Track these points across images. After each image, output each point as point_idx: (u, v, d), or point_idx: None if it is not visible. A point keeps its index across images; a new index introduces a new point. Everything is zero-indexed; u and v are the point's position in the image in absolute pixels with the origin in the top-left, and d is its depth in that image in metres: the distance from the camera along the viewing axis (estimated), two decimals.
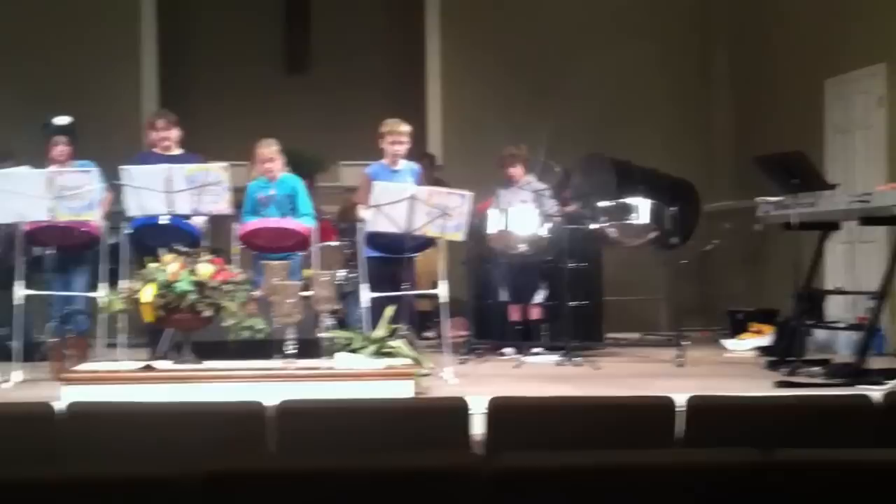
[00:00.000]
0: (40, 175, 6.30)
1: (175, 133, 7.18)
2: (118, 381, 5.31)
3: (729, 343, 8.38)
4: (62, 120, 7.04)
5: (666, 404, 3.60)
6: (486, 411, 3.67)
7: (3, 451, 3.21)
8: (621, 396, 4.10)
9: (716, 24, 10.91)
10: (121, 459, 3.12)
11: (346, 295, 8.00)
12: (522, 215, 7.43)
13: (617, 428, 3.49)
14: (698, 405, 3.64)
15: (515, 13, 10.73)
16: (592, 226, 7.44)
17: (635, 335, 9.32)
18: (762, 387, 5.73)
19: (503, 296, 7.95)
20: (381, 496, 2.50)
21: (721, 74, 10.86)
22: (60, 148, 6.92)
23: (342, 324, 7.17)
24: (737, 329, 8.71)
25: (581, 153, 8.92)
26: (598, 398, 4.06)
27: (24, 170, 6.47)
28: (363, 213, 7.06)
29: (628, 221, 7.37)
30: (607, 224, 7.41)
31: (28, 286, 6.54)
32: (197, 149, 7.30)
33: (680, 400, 3.72)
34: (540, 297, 7.88)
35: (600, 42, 10.53)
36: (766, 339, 7.86)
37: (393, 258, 6.91)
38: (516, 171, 7.85)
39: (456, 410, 3.57)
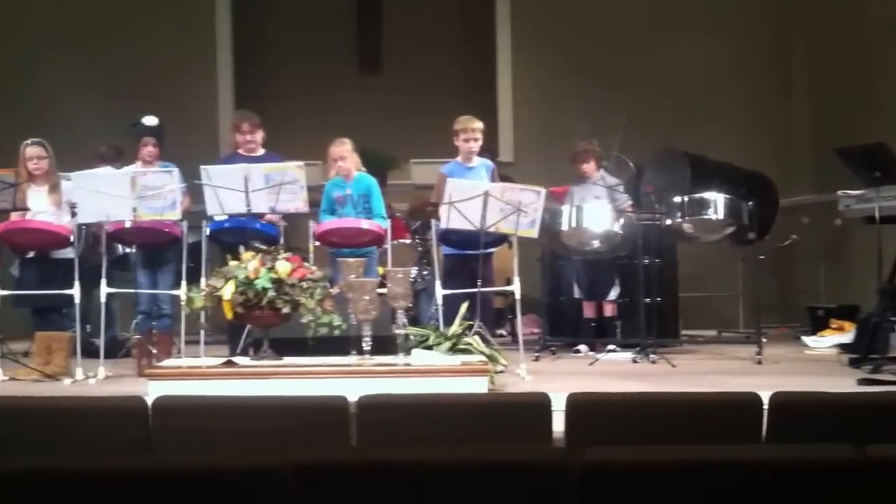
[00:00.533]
0: (124, 175, 6.44)
1: (259, 135, 7.26)
2: (201, 376, 5.40)
3: (809, 340, 8.25)
4: (151, 120, 7.14)
5: (753, 400, 3.56)
6: (564, 407, 3.66)
7: (100, 441, 3.31)
8: (705, 392, 4.05)
9: (795, 15, 10.73)
10: (209, 450, 3.17)
11: (419, 292, 8.05)
12: (595, 211, 7.40)
13: (701, 424, 3.45)
14: (782, 402, 3.59)
15: (587, 9, 10.68)
16: (667, 221, 7.39)
17: (712, 332, 9.24)
18: (844, 385, 5.62)
19: (577, 292, 7.92)
20: (466, 489, 2.52)
21: (799, 67, 10.69)
22: (150, 149, 7.02)
23: (414, 321, 7.21)
24: (817, 326, 8.58)
25: (654, 148, 8.86)
26: (681, 394, 4.02)
27: (108, 170, 6.61)
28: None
29: (704, 216, 7.30)
30: (683, 219, 7.35)
31: (111, 285, 6.69)
32: (271, 148, 7.39)
33: (762, 397, 3.67)
34: (614, 293, 7.84)
35: (674, 35, 10.45)
36: (847, 336, 7.71)
37: (468, 255, 6.94)
38: (589, 166, 7.82)
39: (537, 405, 3.57)
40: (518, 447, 2.80)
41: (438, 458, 2.53)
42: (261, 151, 7.26)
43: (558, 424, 3.71)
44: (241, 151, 7.27)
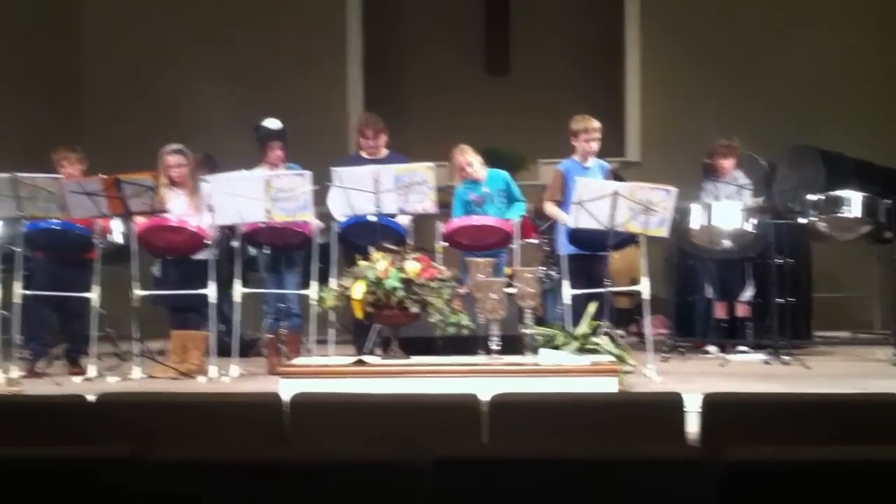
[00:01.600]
0: (259, 178, 6.59)
1: (382, 139, 7.35)
2: (332, 374, 5.50)
3: None
4: (274, 123, 7.27)
5: (892, 402, 3.45)
6: (700, 407, 3.61)
7: (238, 436, 3.40)
8: (843, 394, 3.94)
9: None
10: (344, 446, 3.24)
11: (545, 292, 8.03)
12: (726, 210, 7.26)
13: (840, 426, 3.37)
14: None
15: (717, 5, 10.52)
16: (801, 220, 7.21)
17: (846, 333, 8.98)
18: None
19: (709, 292, 7.78)
20: (604, 487, 2.51)
21: None
22: (277, 152, 7.13)
23: (540, 321, 7.19)
24: None
25: (786, 145, 8.65)
26: (820, 395, 3.91)
27: (243, 173, 6.76)
28: (551, 209, 7.06)
29: (840, 215, 7.12)
30: (817, 218, 7.17)
31: (243, 285, 6.86)
32: (400, 149, 7.48)
33: None
34: (749, 293, 7.67)
35: (806, 29, 10.21)
36: None
37: (590, 255, 6.89)
38: (727, 163, 7.64)
39: (670, 405, 3.53)
40: (655, 446, 2.77)
41: (576, 456, 2.53)
42: (384, 153, 7.34)
43: (689, 425, 3.67)
44: (363, 154, 7.37)
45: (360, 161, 7.12)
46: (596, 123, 7.06)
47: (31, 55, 10.41)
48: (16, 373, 6.48)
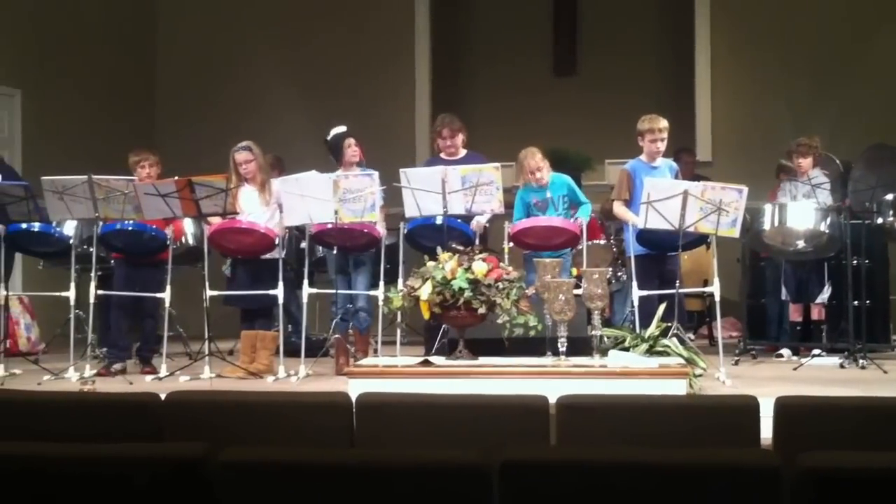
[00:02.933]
0: (328, 179, 6.62)
1: (460, 138, 7.32)
2: (399, 375, 5.50)
3: None
4: (341, 128, 7.30)
5: None
6: (772, 412, 3.54)
7: (306, 435, 3.41)
8: None
9: None
10: (411, 447, 3.22)
11: (613, 293, 7.96)
12: (800, 210, 7.13)
13: None
14: None
15: (787, 4, 10.35)
16: (878, 220, 7.04)
17: None
18: None
19: (784, 294, 7.64)
20: (676, 491, 2.46)
21: None
22: (353, 149, 7.10)
23: (608, 322, 7.13)
24: None
25: (862, 145, 8.45)
26: None
27: (313, 174, 6.80)
28: (619, 209, 6.99)
29: None
30: (894, 218, 7.00)
31: (311, 286, 6.90)
32: (472, 149, 7.46)
33: None
34: (825, 295, 7.50)
35: (882, 26, 9.99)
36: None
37: (659, 255, 6.81)
38: (805, 162, 7.47)
39: (744, 409, 3.45)
40: (728, 450, 2.72)
41: (647, 460, 2.48)
42: (462, 153, 7.33)
43: (764, 430, 3.59)
44: (442, 155, 7.36)
45: (438, 163, 7.12)
46: (662, 123, 6.94)
47: (106, 60, 10.62)
48: (89, 371, 6.60)
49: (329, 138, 7.24)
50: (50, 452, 2.73)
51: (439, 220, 6.65)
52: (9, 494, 2.67)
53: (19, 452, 2.75)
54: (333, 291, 6.96)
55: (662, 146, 6.97)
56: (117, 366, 7.02)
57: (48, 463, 2.69)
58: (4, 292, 7.10)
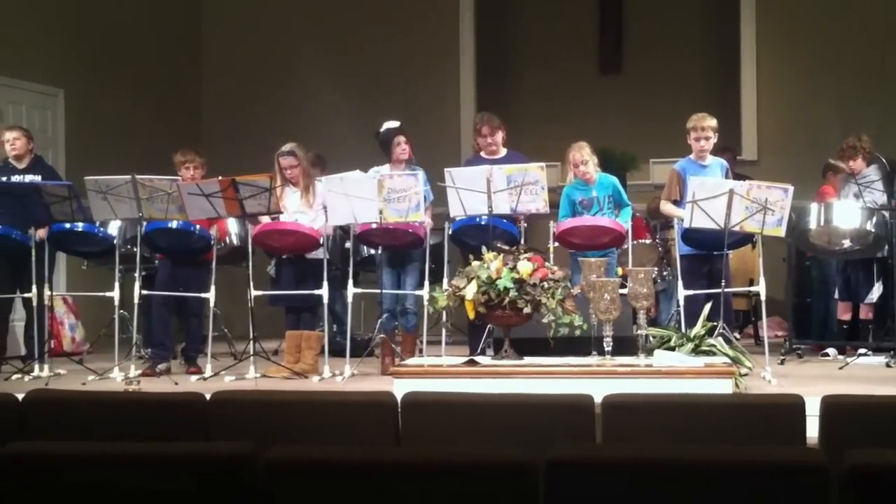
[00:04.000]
0: (372, 179, 6.64)
1: (500, 136, 7.33)
2: (444, 374, 5.51)
3: None
4: (393, 123, 7.30)
5: None
6: (818, 410, 3.51)
7: (352, 434, 3.44)
8: None
9: None
10: (456, 445, 3.24)
11: (659, 293, 7.93)
12: (846, 209, 7.05)
13: None
14: None
15: (834, 5, 10.26)
16: None
17: None
18: None
19: (835, 293, 7.56)
20: (722, 490, 2.46)
21: None
22: (403, 146, 7.07)
23: (653, 322, 7.10)
24: None
25: None
26: None
27: (357, 174, 6.82)
28: (667, 207, 6.96)
29: None
30: None
31: (356, 286, 6.93)
32: (513, 149, 7.46)
33: None
34: (876, 294, 7.40)
35: None
36: None
37: (705, 254, 6.77)
38: (855, 163, 7.38)
39: (790, 408, 3.44)
40: (775, 448, 2.70)
41: (694, 458, 2.48)
42: (503, 152, 7.32)
43: (810, 429, 3.57)
44: (482, 154, 7.37)
45: (479, 162, 7.12)
46: (707, 122, 6.90)
47: (153, 61, 10.71)
48: (134, 372, 6.66)
49: (381, 131, 7.24)
50: (97, 451, 2.76)
51: (484, 220, 6.65)
52: (56, 493, 2.71)
53: (66, 451, 2.78)
54: (378, 291, 6.96)
55: (707, 144, 6.92)
56: (161, 366, 7.07)
57: (95, 462, 2.72)
58: (49, 292, 7.18)
